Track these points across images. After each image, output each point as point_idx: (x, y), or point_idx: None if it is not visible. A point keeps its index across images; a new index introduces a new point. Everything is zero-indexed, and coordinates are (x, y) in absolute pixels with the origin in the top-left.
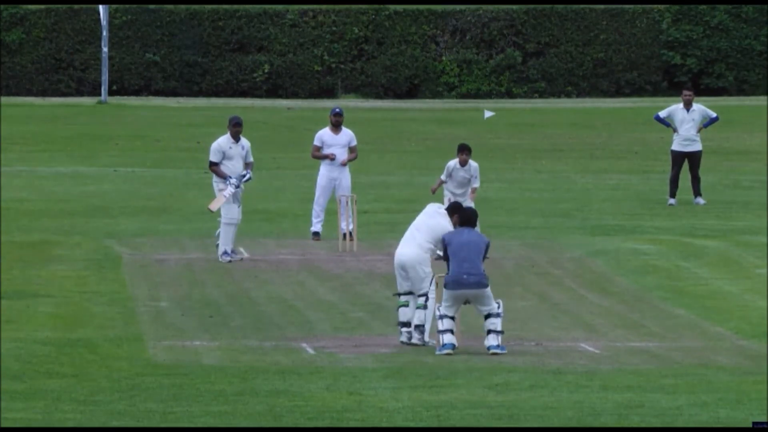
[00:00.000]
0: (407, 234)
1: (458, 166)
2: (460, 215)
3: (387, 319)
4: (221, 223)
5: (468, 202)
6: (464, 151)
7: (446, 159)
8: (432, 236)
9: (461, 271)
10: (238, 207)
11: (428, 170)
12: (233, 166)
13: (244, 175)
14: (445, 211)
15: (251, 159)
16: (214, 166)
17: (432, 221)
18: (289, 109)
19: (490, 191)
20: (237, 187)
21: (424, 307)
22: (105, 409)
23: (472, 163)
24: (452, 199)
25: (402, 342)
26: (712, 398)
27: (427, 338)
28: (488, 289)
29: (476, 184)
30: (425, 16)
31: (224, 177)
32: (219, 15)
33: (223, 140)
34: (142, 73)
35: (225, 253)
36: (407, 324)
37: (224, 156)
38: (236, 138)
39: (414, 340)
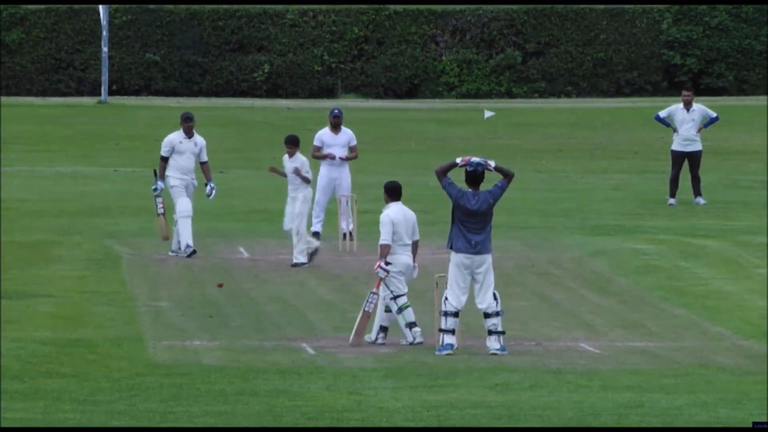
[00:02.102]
0: (405, 240)
1: (287, 158)
2: (468, 175)
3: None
4: (176, 218)
5: (301, 202)
6: (288, 143)
7: (446, 158)
8: (412, 231)
9: (467, 235)
10: (163, 202)
11: (428, 170)
12: (183, 161)
13: (208, 195)
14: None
15: (206, 158)
16: (162, 161)
17: (411, 217)
18: (289, 109)
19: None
20: (156, 193)
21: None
22: (105, 409)
23: (301, 156)
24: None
25: (413, 343)
26: (712, 398)
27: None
28: (491, 262)
29: (308, 176)
30: (425, 16)
31: (162, 177)
32: (219, 15)
33: (175, 135)
34: (142, 73)
35: (188, 246)
36: (416, 323)
37: (174, 150)
38: (188, 134)
39: (419, 339)
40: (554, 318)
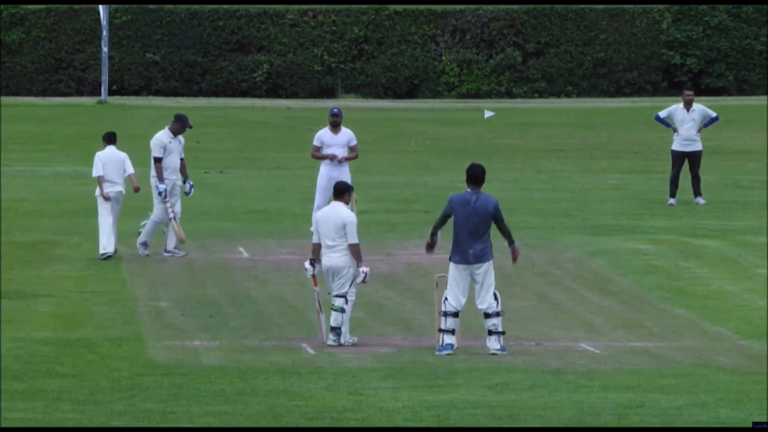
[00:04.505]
0: (326, 241)
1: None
2: (467, 173)
3: (387, 319)
4: (150, 217)
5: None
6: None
7: (446, 158)
8: (342, 230)
9: (466, 245)
10: (172, 206)
11: (428, 170)
12: (171, 161)
13: (187, 193)
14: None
15: (183, 155)
16: (158, 163)
17: (334, 218)
18: (289, 109)
19: (490, 191)
20: (163, 196)
21: (342, 310)
22: (105, 409)
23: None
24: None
25: (327, 344)
26: (712, 398)
27: (344, 339)
28: (491, 264)
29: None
30: (425, 16)
31: (161, 178)
32: (219, 15)
33: (163, 135)
34: (142, 73)
35: (143, 243)
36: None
37: (165, 150)
38: (176, 134)
39: (330, 342)
40: (554, 318)
